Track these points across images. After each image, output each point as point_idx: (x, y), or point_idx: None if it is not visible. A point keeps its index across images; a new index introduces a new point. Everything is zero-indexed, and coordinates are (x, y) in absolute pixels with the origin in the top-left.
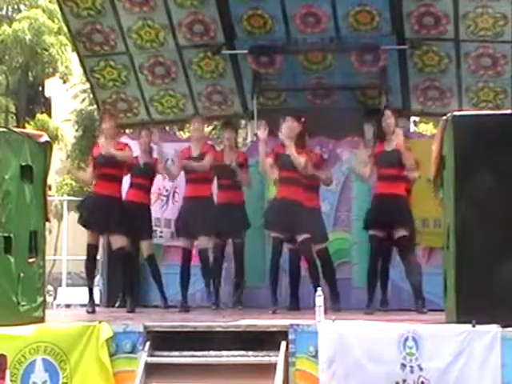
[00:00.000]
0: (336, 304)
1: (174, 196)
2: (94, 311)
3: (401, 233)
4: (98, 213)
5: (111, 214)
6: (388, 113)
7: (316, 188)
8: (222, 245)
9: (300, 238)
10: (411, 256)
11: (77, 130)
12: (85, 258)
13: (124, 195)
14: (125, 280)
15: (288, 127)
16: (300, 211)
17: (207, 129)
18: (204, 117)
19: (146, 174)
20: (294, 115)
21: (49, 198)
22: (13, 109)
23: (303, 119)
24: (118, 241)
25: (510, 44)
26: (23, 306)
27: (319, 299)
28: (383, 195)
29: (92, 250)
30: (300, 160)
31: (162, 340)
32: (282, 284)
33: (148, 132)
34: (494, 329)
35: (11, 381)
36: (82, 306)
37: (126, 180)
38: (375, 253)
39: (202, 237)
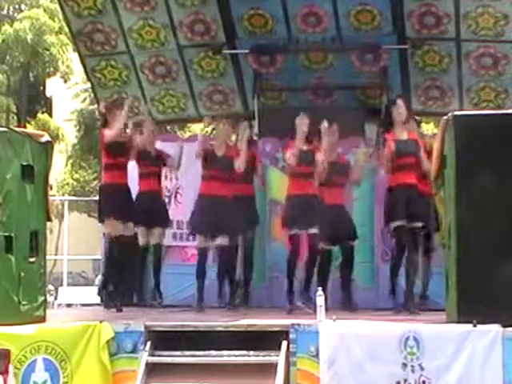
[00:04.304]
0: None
1: (176, 197)
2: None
3: (415, 224)
4: (113, 202)
5: (124, 201)
6: (400, 102)
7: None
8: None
9: (310, 231)
10: (416, 253)
11: (78, 130)
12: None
13: (138, 186)
14: (127, 274)
15: (300, 123)
16: (315, 205)
17: (208, 129)
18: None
19: (157, 163)
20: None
21: (50, 198)
22: (14, 108)
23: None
24: (127, 229)
25: (510, 44)
26: (24, 305)
27: (320, 299)
28: (402, 186)
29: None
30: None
31: (163, 340)
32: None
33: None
34: (495, 328)
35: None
36: (83, 305)
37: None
38: (402, 244)
39: (223, 237)
